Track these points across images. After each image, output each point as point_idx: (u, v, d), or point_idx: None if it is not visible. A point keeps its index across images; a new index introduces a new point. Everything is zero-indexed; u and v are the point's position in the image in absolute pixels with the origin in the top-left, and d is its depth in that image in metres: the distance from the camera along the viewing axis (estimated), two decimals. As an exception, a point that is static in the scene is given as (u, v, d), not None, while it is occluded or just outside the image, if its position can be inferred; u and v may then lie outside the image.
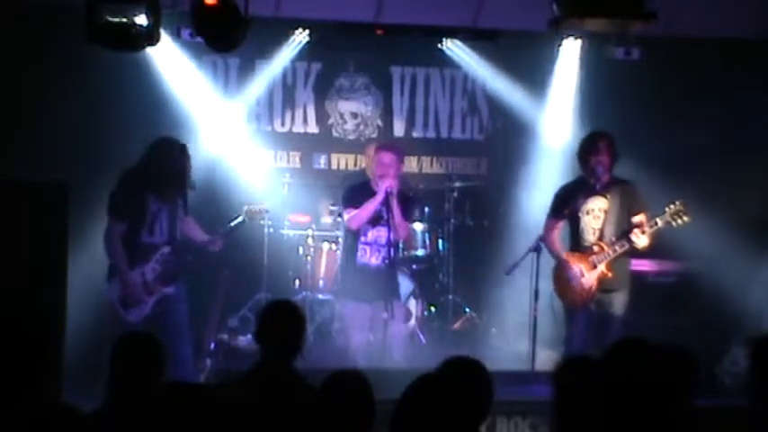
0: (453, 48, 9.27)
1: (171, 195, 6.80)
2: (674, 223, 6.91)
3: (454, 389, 3.38)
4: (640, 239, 6.91)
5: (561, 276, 7.17)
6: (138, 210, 6.69)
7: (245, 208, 7.35)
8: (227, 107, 9.19)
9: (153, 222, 6.71)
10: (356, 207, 7.12)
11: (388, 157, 7.18)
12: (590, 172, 7.04)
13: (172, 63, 8.56)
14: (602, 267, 7.01)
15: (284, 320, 4.46)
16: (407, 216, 7.24)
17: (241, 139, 9.25)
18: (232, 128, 9.16)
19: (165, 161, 6.72)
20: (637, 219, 7.02)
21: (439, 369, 3.80)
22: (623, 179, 7.19)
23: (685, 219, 6.90)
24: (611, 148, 7.06)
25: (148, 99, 8.49)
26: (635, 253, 7.17)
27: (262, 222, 8.70)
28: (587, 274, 7.02)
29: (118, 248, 6.66)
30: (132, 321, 6.62)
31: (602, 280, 7.02)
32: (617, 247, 6.99)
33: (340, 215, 7.36)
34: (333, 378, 3.71)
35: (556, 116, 9.16)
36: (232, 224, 7.26)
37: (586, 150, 7.06)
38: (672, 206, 6.92)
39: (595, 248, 7.05)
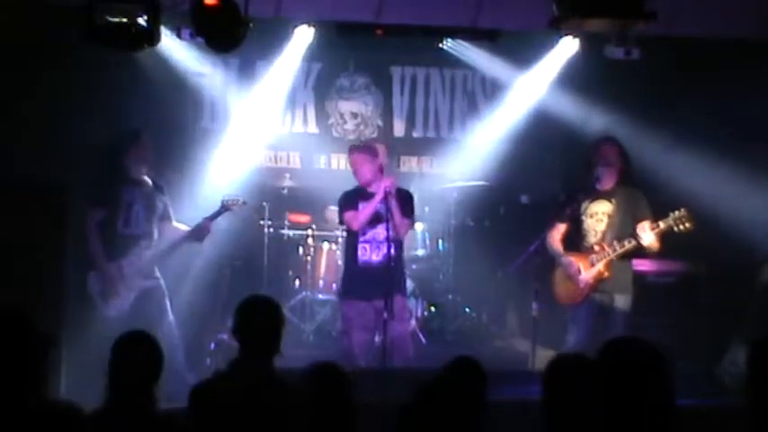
0: (453, 47, 9.27)
1: (141, 186, 6.90)
2: (676, 228, 6.92)
3: (459, 391, 3.39)
4: (646, 234, 6.91)
5: (557, 275, 7.19)
6: (111, 198, 6.80)
7: (224, 198, 7.40)
8: (227, 107, 9.19)
9: (128, 213, 6.74)
10: (353, 209, 7.15)
11: (354, 158, 7.31)
12: (593, 176, 7.08)
13: (172, 63, 8.56)
14: (599, 266, 7.02)
15: (260, 316, 4.41)
16: (407, 214, 7.25)
17: (243, 138, 9.26)
18: (233, 127, 9.16)
19: (118, 152, 6.93)
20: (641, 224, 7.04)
21: (443, 372, 3.80)
22: (632, 185, 7.21)
23: (688, 225, 6.92)
24: (619, 152, 7.11)
25: (149, 99, 8.48)
26: (638, 253, 7.17)
27: (261, 222, 8.73)
28: (584, 272, 7.04)
29: (95, 238, 6.72)
30: (112, 316, 6.62)
31: (598, 279, 7.03)
32: (617, 247, 7.00)
33: (341, 222, 7.40)
34: (311, 370, 3.72)
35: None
36: (213, 213, 7.39)
37: (593, 154, 7.14)
38: (677, 212, 6.94)
39: (596, 248, 7.08)
